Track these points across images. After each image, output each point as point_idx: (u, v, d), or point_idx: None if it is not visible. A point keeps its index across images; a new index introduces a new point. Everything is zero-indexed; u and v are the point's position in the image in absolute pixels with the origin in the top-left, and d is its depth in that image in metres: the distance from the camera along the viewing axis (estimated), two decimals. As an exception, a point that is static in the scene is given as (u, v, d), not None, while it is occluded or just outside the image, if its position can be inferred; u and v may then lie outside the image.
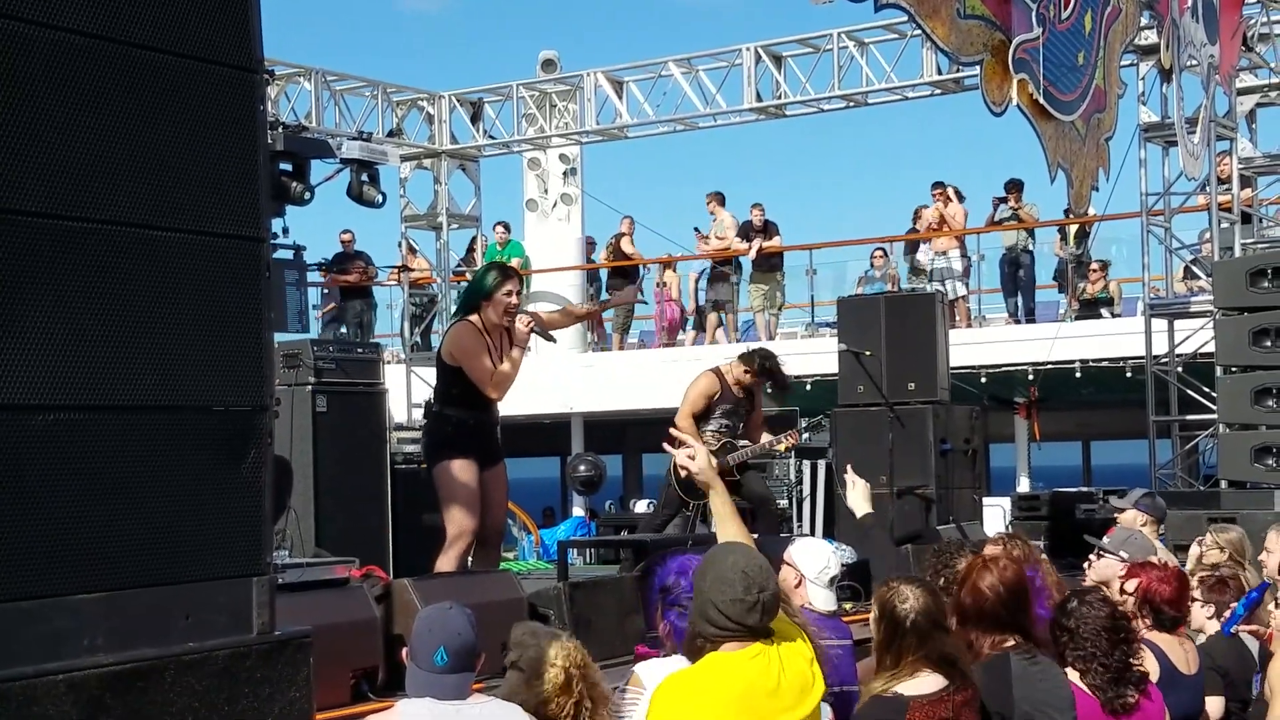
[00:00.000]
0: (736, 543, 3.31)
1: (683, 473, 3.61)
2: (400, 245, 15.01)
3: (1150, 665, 4.03)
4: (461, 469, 6.00)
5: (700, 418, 7.77)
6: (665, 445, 3.61)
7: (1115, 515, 6.48)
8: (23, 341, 2.35)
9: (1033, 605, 3.82)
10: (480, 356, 5.94)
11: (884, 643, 3.38)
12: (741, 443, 7.91)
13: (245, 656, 2.61)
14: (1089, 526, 6.80)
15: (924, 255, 14.87)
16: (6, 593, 2.31)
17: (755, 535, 4.20)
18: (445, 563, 6.01)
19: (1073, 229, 14.64)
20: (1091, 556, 5.33)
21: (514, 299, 6.01)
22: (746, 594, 2.99)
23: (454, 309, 6.41)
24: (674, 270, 16.16)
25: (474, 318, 6.04)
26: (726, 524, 3.45)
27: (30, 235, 2.38)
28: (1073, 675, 3.77)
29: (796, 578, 4.37)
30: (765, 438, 7.98)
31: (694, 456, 3.48)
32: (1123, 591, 4.59)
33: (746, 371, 7.89)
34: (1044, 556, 5.67)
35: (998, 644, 3.67)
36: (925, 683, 3.30)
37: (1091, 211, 12.69)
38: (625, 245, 16.45)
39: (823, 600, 4.38)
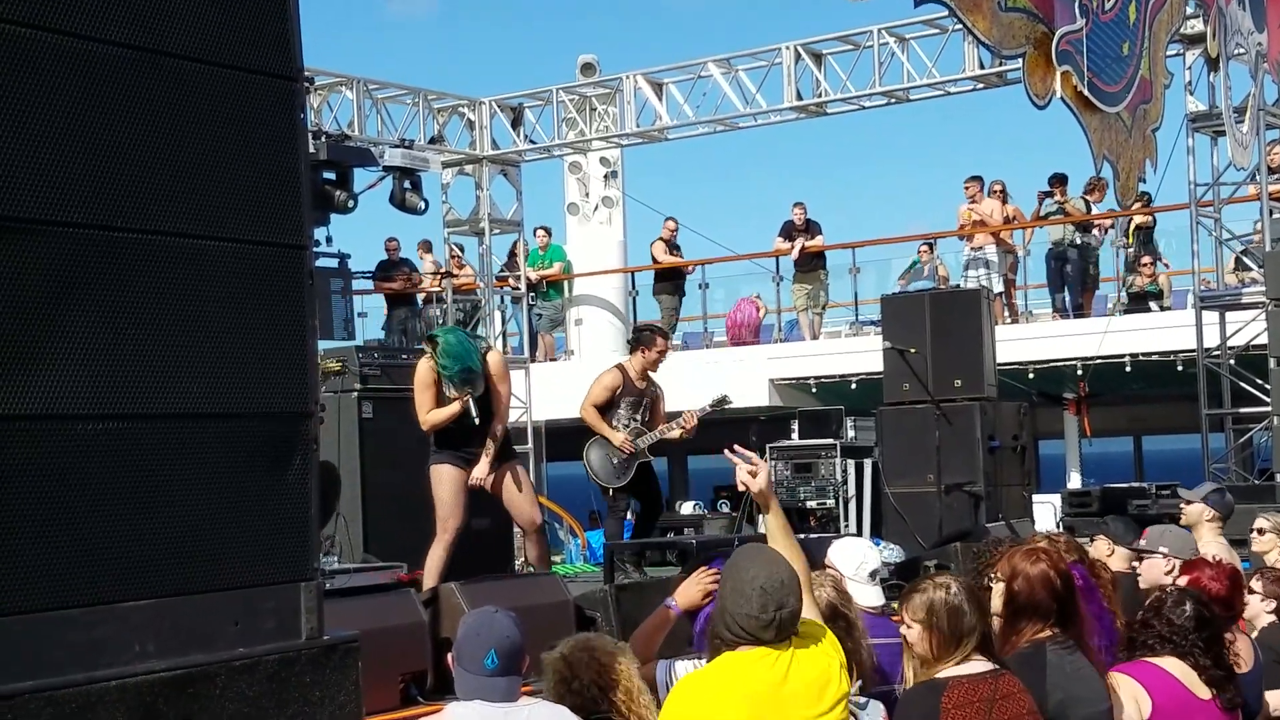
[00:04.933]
0: (761, 550, 3.20)
1: (740, 487, 3.52)
2: (447, 251, 15.07)
3: None
4: (443, 472, 6.59)
5: (604, 409, 8.49)
6: (727, 453, 3.54)
7: (1181, 506, 6.37)
8: (68, 351, 2.37)
9: (1081, 601, 3.80)
10: (425, 390, 6.60)
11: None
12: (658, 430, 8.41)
13: (294, 661, 2.62)
14: (1142, 522, 6.70)
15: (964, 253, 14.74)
16: (56, 601, 2.33)
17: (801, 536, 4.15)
18: (435, 552, 6.51)
19: (1132, 223, 14.44)
20: (1134, 563, 5.28)
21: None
22: (763, 612, 2.99)
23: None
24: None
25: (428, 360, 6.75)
26: (777, 541, 3.40)
27: (74, 246, 2.40)
28: (1172, 665, 3.75)
29: (838, 578, 4.35)
30: (661, 426, 8.44)
31: (755, 474, 3.40)
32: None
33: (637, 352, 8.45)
34: (1091, 551, 5.61)
35: (1036, 634, 3.66)
36: (972, 666, 3.32)
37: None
38: (662, 249, 16.40)
39: (864, 596, 4.36)
